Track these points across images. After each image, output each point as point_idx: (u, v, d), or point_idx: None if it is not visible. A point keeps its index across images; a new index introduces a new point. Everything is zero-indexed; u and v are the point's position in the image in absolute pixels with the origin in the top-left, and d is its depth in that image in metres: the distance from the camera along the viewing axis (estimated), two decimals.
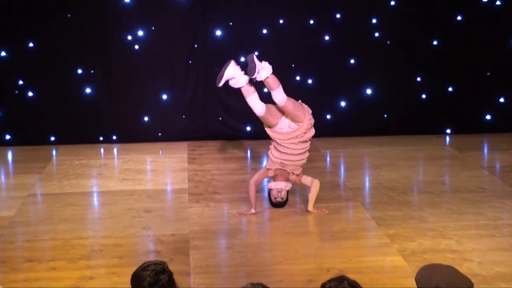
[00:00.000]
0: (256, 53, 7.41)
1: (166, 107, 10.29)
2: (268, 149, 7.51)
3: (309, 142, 7.38)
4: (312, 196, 7.31)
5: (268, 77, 7.02)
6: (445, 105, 10.52)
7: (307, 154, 7.39)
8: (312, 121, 7.31)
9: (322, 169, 9.00)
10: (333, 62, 10.31)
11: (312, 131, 7.34)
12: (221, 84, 7.12)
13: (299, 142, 7.25)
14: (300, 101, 7.37)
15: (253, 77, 7.03)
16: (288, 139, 7.22)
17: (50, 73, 9.95)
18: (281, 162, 7.29)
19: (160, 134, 10.34)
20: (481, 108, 10.60)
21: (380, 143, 10.14)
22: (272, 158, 7.34)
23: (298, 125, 7.18)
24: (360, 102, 10.47)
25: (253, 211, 7.29)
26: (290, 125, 7.21)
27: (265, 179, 7.73)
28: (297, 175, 7.37)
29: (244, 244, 6.57)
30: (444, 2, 10.24)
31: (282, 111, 7.20)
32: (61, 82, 10.01)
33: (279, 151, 7.28)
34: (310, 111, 7.33)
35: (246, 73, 7.12)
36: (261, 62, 7.04)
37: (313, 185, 7.30)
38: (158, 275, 3.49)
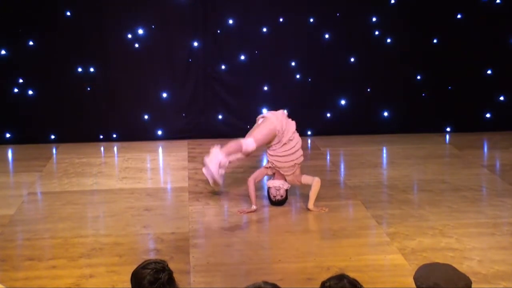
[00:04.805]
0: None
1: (166, 105, 10.29)
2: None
3: (296, 142, 7.29)
4: (313, 194, 7.31)
5: (224, 157, 6.99)
6: (445, 104, 10.52)
7: (298, 154, 7.32)
8: (285, 121, 7.24)
9: (322, 168, 9.00)
10: (333, 60, 10.31)
11: (290, 129, 7.26)
12: (221, 182, 7.08)
13: (282, 145, 7.24)
14: (268, 113, 7.30)
15: (220, 183, 7.04)
16: (270, 146, 7.28)
17: (50, 72, 9.95)
18: (272, 162, 7.33)
19: (160, 132, 10.35)
20: (481, 106, 10.59)
21: (380, 142, 10.14)
22: (268, 157, 7.39)
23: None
24: (360, 100, 10.47)
25: (254, 207, 7.30)
26: None
27: (265, 177, 7.74)
28: (294, 174, 7.34)
29: (244, 242, 6.58)
30: (444, 0, 10.23)
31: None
32: (61, 80, 10.01)
33: (269, 153, 7.35)
34: (282, 113, 7.29)
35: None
36: (207, 157, 7.00)
37: (314, 183, 7.31)
38: (158, 274, 3.50)
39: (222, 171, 7.07)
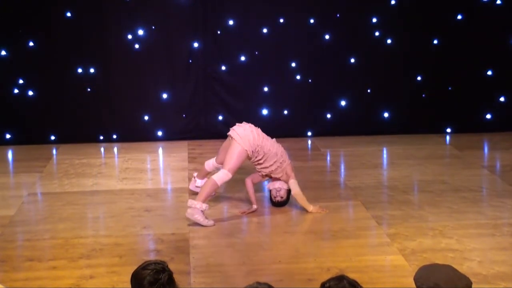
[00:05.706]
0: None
1: (166, 106, 10.29)
2: None
3: (270, 145, 7.21)
4: (300, 198, 7.24)
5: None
6: (445, 104, 10.51)
7: (279, 153, 7.24)
8: (256, 138, 7.13)
9: (322, 168, 9.00)
10: (333, 61, 10.31)
11: (263, 144, 7.14)
12: (212, 223, 6.94)
13: (259, 157, 7.20)
14: (236, 135, 7.13)
15: (209, 224, 6.89)
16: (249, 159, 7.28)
17: (50, 72, 9.95)
18: (259, 171, 7.36)
19: (160, 133, 10.34)
20: (481, 107, 10.59)
21: (380, 142, 10.13)
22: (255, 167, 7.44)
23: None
24: (360, 101, 10.46)
25: (254, 207, 7.30)
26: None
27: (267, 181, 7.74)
28: (287, 174, 7.30)
29: (244, 243, 6.58)
30: (445, 1, 10.23)
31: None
32: (61, 81, 10.01)
33: (253, 164, 7.37)
34: (251, 131, 7.17)
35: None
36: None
37: (292, 187, 7.25)
38: (158, 274, 3.50)
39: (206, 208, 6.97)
